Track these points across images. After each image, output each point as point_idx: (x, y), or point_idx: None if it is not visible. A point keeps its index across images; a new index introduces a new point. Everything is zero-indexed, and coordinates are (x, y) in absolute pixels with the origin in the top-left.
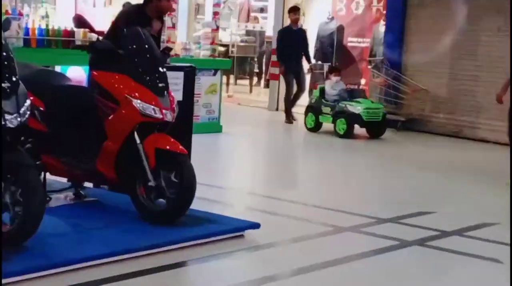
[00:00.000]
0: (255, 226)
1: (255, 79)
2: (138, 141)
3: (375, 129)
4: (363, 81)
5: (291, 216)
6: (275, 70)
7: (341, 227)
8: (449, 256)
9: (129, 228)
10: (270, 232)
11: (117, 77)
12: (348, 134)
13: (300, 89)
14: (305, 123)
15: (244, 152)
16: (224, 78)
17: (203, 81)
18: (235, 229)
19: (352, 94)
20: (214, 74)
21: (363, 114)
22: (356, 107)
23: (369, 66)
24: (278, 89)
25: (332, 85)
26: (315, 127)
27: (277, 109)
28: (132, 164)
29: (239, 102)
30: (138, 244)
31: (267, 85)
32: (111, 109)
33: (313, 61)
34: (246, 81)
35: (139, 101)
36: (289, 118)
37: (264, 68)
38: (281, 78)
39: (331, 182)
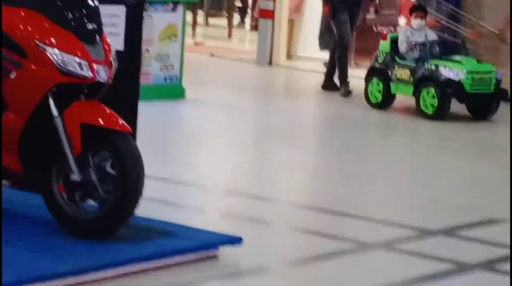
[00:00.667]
0: (235, 240)
1: (237, 17)
2: (55, 113)
3: (483, 106)
4: (402, 21)
5: (290, 226)
6: (268, 4)
7: (367, 243)
8: None
9: (41, 245)
10: (257, 250)
11: (22, 14)
12: (441, 113)
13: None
14: (366, 95)
15: (219, 130)
16: (189, 16)
17: (156, 21)
18: (204, 245)
19: (445, 49)
20: (174, 9)
21: (466, 83)
22: (454, 71)
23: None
24: (272, 33)
25: (412, 34)
26: (384, 102)
27: (270, 63)
28: (46, 147)
29: (211, 53)
30: (53, 269)
31: (255, 27)
32: (14, 64)
33: None
34: (223, 21)
35: (56, 51)
36: (347, 87)
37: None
38: (275, 19)
39: (340, 175)
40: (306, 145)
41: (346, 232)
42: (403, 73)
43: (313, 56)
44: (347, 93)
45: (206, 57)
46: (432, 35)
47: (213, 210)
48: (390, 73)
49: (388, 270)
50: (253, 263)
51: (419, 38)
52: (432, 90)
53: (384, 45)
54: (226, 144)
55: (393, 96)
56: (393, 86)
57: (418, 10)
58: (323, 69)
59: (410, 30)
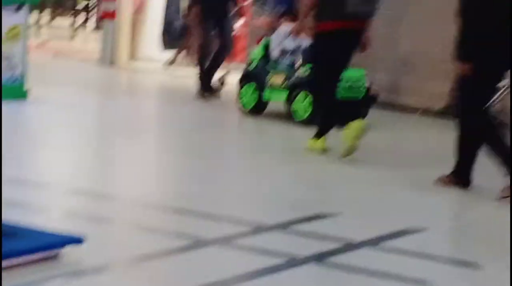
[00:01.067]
0: (77, 240)
1: (80, 18)
2: None
3: (351, 113)
4: (239, 22)
5: (131, 224)
6: (110, 6)
7: (205, 239)
8: (357, 277)
9: None
10: (99, 249)
11: None
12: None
13: (224, 45)
14: (240, 101)
15: (62, 129)
16: (35, 16)
17: None
18: (46, 246)
19: None
20: (17, 10)
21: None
22: None
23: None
24: (114, 33)
25: (284, 39)
26: (257, 108)
27: (112, 63)
28: None
29: (55, 53)
30: None
31: (97, 27)
32: None
33: None
34: (68, 21)
35: None
36: (207, 89)
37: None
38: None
39: (179, 172)
40: (149, 142)
41: (185, 229)
42: (276, 78)
43: (155, 57)
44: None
45: (50, 58)
46: (306, 41)
47: (56, 209)
48: (263, 79)
49: (223, 266)
50: (95, 261)
51: (292, 43)
52: (305, 95)
53: (257, 51)
54: (69, 142)
55: (265, 103)
56: (266, 92)
57: (287, 14)
58: (165, 70)
59: (282, 35)
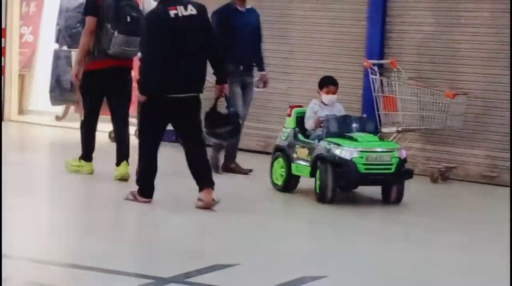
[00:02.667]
0: None
1: None
2: None
3: (384, 189)
4: None
5: (28, 281)
6: None
7: None
8: None
9: None
10: None
11: None
12: (327, 197)
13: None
14: (271, 177)
15: None
16: None
17: None
18: None
19: (349, 124)
20: None
21: (359, 162)
22: (347, 149)
23: None
24: (3, 88)
25: (321, 109)
26: (286, 184)
27: (2, 118)
28: None
29: None
30: None
31: None
32: None
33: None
34: None
35: None
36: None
37: None
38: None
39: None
40: (41, 197)
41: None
42: (302, 152)
43: (45, 110)
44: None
45: None
46: (339, 109)
47: None
48: (291, 153)
49: None
50: None
51: (328, 113)
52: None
53: (289, 121)
54: None
55: (296, 179)
56: (293, 167)
57: (330, 84)
58: (56, 123)
59: (319, 104)
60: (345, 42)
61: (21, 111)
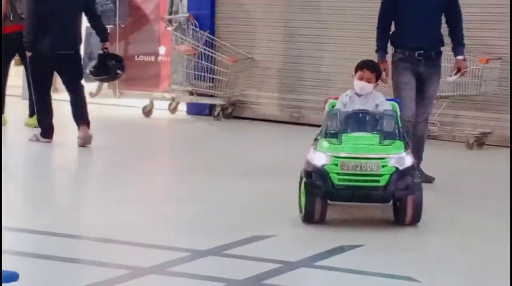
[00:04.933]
0: (11, 277)
1: None
2: None
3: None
4: (162, 50)
5: (59, 257)
6: None
7: (141, 267)
8: None
9: None
10: (35, 284)
11: None
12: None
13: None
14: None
15: None
16: None
17: None
18: None
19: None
20: None
21: (331, 170)
22: (318, 153)
23: (169, 28)
24: None
25: (352, 101)
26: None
27: None
28: None
29: None
30: None
31: None
32: None
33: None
34: None
35: None
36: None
37: None
38: None
39: (106, 201)
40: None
41: (118, 259)
42: None
43: None
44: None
45: None
46: (376, 102)
47: None
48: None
49: None
50: None
51: (359, 107)
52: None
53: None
54: None
55: None
56: None
57: (365, 67)
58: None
59: (351, 95)
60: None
61: (55, 89)
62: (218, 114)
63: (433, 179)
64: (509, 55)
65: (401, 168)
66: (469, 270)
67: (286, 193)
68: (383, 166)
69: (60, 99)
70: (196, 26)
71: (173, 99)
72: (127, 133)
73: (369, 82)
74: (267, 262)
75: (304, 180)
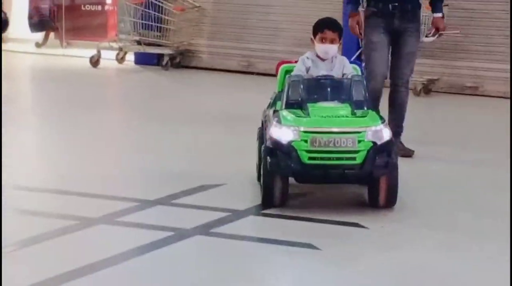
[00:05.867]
0: None
1: None
2: None
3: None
4: (109, 0)
5: (13, 208)
6: None
7: (90, 218)
8: (245, 245)
9: None
10: None
11: None
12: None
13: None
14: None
15: None
16: None
17: None
18: None
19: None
20: None
21: (300, 147)
22: (283, 127)
23: None
24: None
25: (315, 66)
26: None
27: None
28: None
29: None
30: None
31: None
32: None
33: None
34: None
35: None
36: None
37: None
38: None
39: (56, 153)
40: (27, 125)
41: (67, 210)
42: None
43: (24, 38)
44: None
45: None
46: (341, 67)
47: None
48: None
49: (111, 244)
50: None
51: (324, 72)
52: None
53: (278, 83)
54: None
55: None
56: None
57: (326, 28)
58: (36, 50)
59: (313, 59)
60: None
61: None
62: (166, 63)
63: (413, 152)
64: (455, 2)
65: (379, 142)
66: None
67: (235, 141)
68: (359, 141)
69: None
70: None
71: (120, 49)
72: (74, 83)
73: (332, 43)
74: (215, 211)
75: (268, 159)
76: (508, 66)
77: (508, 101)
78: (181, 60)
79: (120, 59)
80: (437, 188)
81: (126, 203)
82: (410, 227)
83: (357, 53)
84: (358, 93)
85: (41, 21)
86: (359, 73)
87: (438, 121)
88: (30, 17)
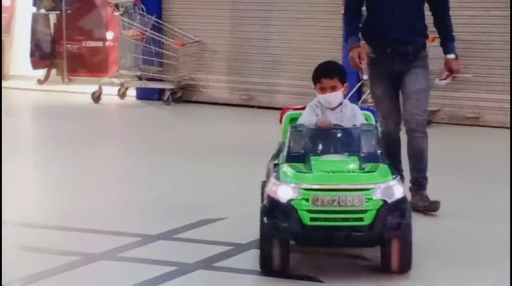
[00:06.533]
0: None
1: None
2: None
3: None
4: (110, 35)
5: (15, 245)
6: None
7: (91, 254)
8: (247, 279)
9: None
10: None
11: None
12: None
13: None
14: None
15: None
16: None
17: None
18: None
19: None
20: None
21: (301, 206)
22: (282, 184)
23: (116, 13)
24: None
25: (323, 113)
26: None
27: None
28: None
29: None
30: None
31: None
32: None
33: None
34: None
35: None
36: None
37: None
38: None
39: (56, 188)
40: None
41: (68, 246)
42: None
43: (26, 75)
44: None
45: None
46: (352, 116)
47: None
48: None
49: (112, 280)
50: None
51: (334, 120)
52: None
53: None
54: None
55: None
56: None
57: (322, 76)
58: (38, 87)
59: (322, 108)
60: None
61: (3, 76)
62: (168, 98)
63: (439, 204)
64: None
65: (390, 200)
66: None
67: (237, 174)
68: (367, 200)
69: None
70: (143, 11)
71: (122, 84)
72: (77, 119)
73: (334, 90)
74: (218, 245)
75: (265, 220)
76: (508, 97)
77: (508, 131)
78: (183, 95)
79: (122, 95)
80: (454, 246)
81: (127, 238)
82: None
83: (357, 86)
84: (369, 145)
85: (42, 58)
86: (372, 121)
87: (443, 153)
88: (32, 54)
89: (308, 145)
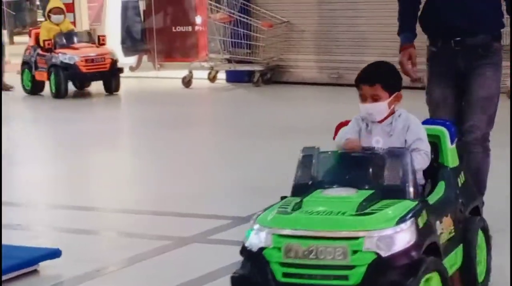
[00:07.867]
0: (54, 253)
1: None
2: None
3: None
4: (198, 19)
5: (109, 231)
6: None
7: (183, 237)
8: None
9: None
10: (78, 259)
11: None
12: None
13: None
14: None
15: (31, 145)
16: None
17: None
18: (23, 262)
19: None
20: None
21: (272, 258)
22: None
23: None
24: None
25: (367, 128)
26: None
27: None
28: None
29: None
30: None
31: None
32: None
33: None
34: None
35: None
36: None
37: None
38: None
39: (148, 174)
40: (120, 149)
41: (159, 230)
42: None
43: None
44: None
45: (14, 75)
46: (402, 130)
47: (34, 226)
48: None
49: (204, 262)
50: (74, 272)
51: (379, 137)
52: None
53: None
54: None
55: None
56: None
57: (361, 82)
58: (130, 73)
59: (367, 122)
60: None
61: None
62: (258, 80)
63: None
64: None
65: (385, 254)
66: None
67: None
68: (353, 252)
69: None
70: None
71: (212, 68)
72: (168, 104)
73: (376, 100)
74: None
75: (235, 272)
76: None
77: None
78: (272, 76)
79: (212, 78)
80: None
81: (218, 220)
82: None
83: None
84: (394, 176)
85: (133, 45)
86: (446, 139)
87: None
88: (123, 42)
89: (319, 174)
